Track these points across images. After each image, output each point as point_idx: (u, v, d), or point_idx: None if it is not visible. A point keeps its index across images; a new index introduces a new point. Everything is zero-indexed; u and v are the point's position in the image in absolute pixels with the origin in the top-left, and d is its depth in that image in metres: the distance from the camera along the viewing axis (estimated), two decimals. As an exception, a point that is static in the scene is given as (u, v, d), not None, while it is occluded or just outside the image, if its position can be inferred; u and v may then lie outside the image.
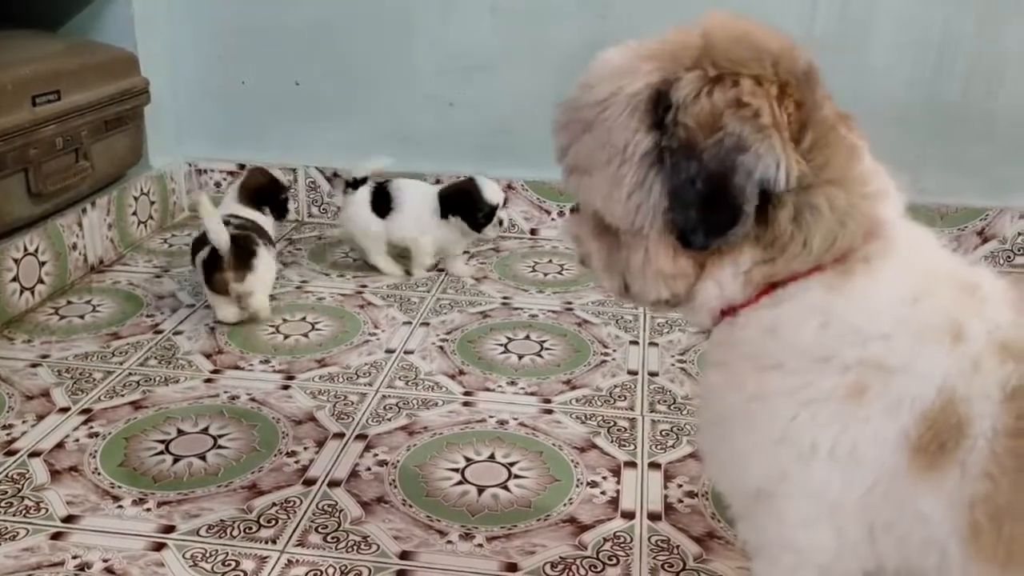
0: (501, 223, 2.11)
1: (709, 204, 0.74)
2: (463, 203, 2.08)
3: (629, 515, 1.31)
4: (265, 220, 2.04)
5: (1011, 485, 0.71)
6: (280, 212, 2.11)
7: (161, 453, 1.43)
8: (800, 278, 0.77)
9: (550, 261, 2.28)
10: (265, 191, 2.08)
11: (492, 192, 2.08)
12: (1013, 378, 0.72)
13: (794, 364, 0.76)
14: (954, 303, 0.75)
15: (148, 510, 1.29)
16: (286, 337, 1.83)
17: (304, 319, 1.91)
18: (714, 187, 0.73)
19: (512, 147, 2.38)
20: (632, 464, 1.43)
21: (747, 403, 0.79)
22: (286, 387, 1.64)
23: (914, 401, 0.73)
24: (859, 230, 0.76)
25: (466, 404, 1.59)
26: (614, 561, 1.21)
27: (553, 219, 2.41)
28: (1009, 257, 2.26)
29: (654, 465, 1.42)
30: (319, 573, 1.17)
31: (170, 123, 2.47)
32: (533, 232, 2.43)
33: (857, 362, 0.74)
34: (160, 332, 1.83)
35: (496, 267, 2.23)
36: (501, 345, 1.81)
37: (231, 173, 2.49)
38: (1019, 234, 2.25)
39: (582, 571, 1.19)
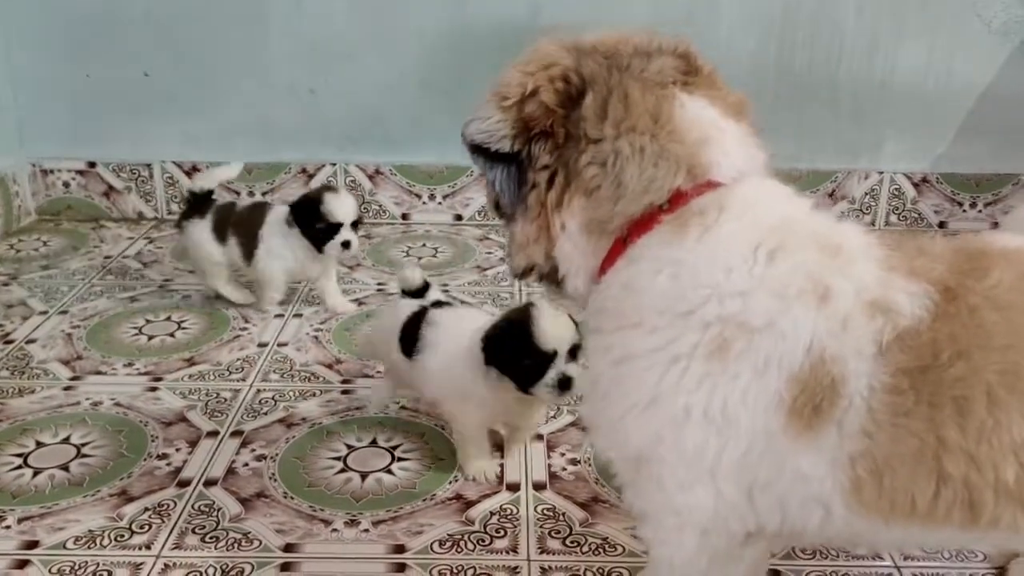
0: (347, 246, 1.77)
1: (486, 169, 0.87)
2: (305, 213, 1.76)
3: (514, 487, 1.31)
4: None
5: (890, 439, 0.72)
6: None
7: (19, 467, 1.34)
8: (643, 230, 0.80)
9: (423, 245, 2.26)
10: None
11: (339, 206, 1.75)
12: (885, 333, 0.72)
13: (654, 320, 0.78)
14: (817, 263, 0.76)
15: (8, 527, 1.21)
16: (150, 338, 1.75)
17: (169, 318, 1.83)
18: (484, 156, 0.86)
19: (379, 133, 2.35)
20: (515, 437, 1.44)
21: (616, 366, 0.81)
22: (153, 389, 1.57)
23: (782, 361, 0.74)
24: (676, 171, 0.80)
25: (345, 392, 1.57)
26: (502, 533, 1.22)
27: (424, 203, 2.39)
28: (859, 216, 2.40)
29: (537, 437, 1.44)
30: (199, 574, 1.13)
31: (9, 121, 2.31)
32: (404, 217, 2.40)
33: (717, 319, 0.76)
34: (11, 342, 1.72)
35: (369, 254, 2.20)
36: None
37: (80, 173, 2.36)
38: (866, 194, 2.38)
39: (470, 546, 1.19)
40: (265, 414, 1.50)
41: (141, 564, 1.15)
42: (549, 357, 1.22)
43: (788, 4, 2.22)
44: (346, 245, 1.77)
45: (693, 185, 0.80)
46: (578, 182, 0.82)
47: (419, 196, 2.40)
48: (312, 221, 1.75)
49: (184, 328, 1.79)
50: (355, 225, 1.78)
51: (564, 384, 1.22)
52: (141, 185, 2.37)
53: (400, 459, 1.38)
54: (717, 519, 0.81)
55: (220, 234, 1.83)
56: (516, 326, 1.24)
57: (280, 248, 1.80)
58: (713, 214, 0.78)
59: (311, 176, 2.36)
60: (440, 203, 2.40)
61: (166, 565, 1.15)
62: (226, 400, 1.53)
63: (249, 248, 1.81)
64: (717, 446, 0.77)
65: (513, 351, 1.24)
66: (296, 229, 1.77)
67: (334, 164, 2.36)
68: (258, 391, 1.57)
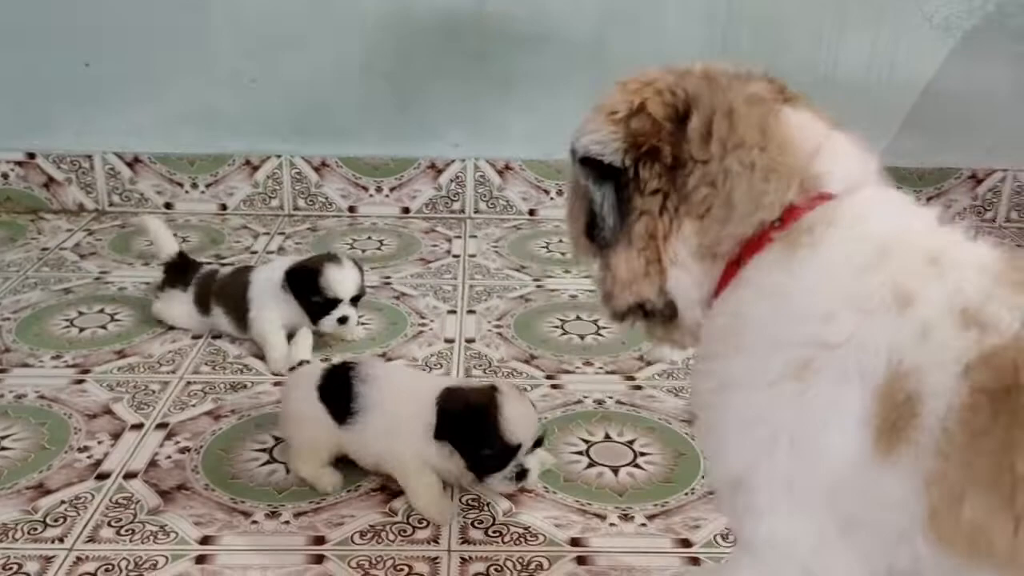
0: (343, 322, 1.64)
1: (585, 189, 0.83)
2: (301, 282, 1.63)
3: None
4: None
5: (964, 463, 0.66)
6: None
7: (-66, 461, 1.32)
8: (754, 251, 0.77)
9: (369, 238, 2.25)
10: None
11: (339, 281, 1.62)
12: (974, 348, 0.66)
13: (754, 347, 0.76)
14: (906, 269, 0.71)
15: (-83, 522, 1.19)
16: (81, 330, 1.72)
17: (102, 311, 1.80)
18: (596, 173, 0.82)
19: (325, 124, 2.33)
20: (445, 428, 1.43)
21: (717, 394, 0.78)
22: (80, 381, 1.54)
23: (863, 375, 0.70)
24: (789, 184, 0.77)
25: (277, 384, 1.55)
26: (424, 524, 1.21)
27: (370, 195, 2.38)
28: (803, 210, 2.41)
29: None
30: (111, 567, 1.11)
31: (-56, 112, 2.27)
32: (351, 209, 2.38)
33: (801, 341, 0.72)
34: (-63, 335, 1.69)
35: (314, 246, 2.18)
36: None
37: (20, 164, 2.32)
38: (811, 188, 2.40)
39: (391, 536, 1.18)
40: (193, 406, 1.48)
41: (52, 557, 1.13)
42: (513, 450, 1.17)
43: (732, 2, 2.23)
44: (343, 321, 1.63)
45: (805, 199, 0.77)
46: (687, 206, 0.80)
47: (365, 188, 2.38)
48: (308, 292, 1.62)
49: (117, 320, 1.77)
50: (356, 300, 1.65)
51: (521, 476, 1.19)
52: (82, 176, 2.33)
53: (327, 451, 1.37)
54: (819, 558, 0.75)
55: (203, 306, 1.70)
56: (481, 413, 1.17)
57: (271, 308, 1.65)
58: (821, 229, 0.75)
59: (255, 168, 2.34)
60: (387, 196, 2.38)
61: (78, 558, 1.13)
62: (154, 392, 1.51)
63: (239, 315, 1.67)
64: (805, 472, 0.73)
65: (475, 439, 1.18)
66: (290, 295, 1.63)
67: (279, 156, 2.34)
68: (188, 383, 1.55)
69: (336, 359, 1.40)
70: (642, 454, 1.37)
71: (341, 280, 1.61)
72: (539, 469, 1.25)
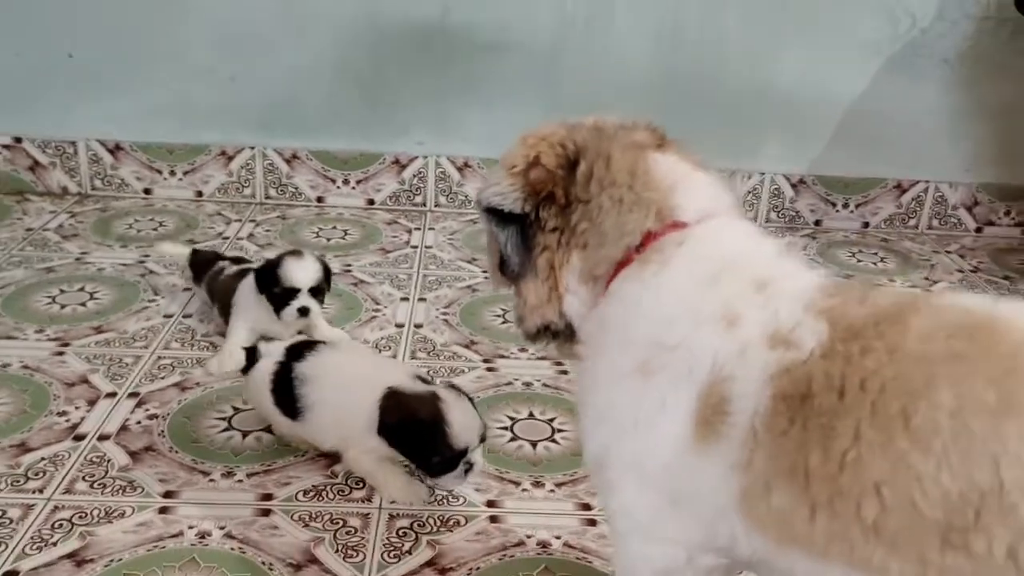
0: (304, 312, 1.71)
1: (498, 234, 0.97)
2: (265, 277, 1.72)
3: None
4: None
5: (769, 456, 0.78)
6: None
7: (-72, 421, 1.48)
8: (620, 271, 0.91)
9: (334, 227, 2.41)
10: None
11: (296, 271, 1.70)
12: (778, 363, 0.79)
13: (611, 347, 0.90)
14: (738, 294, 0.84)
15: (-87, 473, 1.35)
16: (63, 307, 1.88)
17: (83, 289, 1.96)
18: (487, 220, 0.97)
19: (295, 118, 2.48)
20: (387, 404, 1.60)
21: (585, 391, 0.95)
22: (60, 353, 1.70)
23: (692, 377, 0.83)
24: (647, 214, 0.90)
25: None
26: (361, 486, 1.38)
27: (338, 187, 2.54)
28: (743, 213, 2.59)
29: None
30: (84, 515, 1.28)
31: (-65, 97, 2.41)
32: (319, 200, 2.55)
33: (646, 342, 0.86)
34: (-71, 307, 1.84)
35: (282, 234, 2.34)
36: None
37: (7, 147, 2.46)
38: (749, 192, 2.58)
39: (331, 496, 1.36)
40: (162, 378, 1.64)
41: (33, 505, 1.29)
42: (461, 454, 1.27)
43: (677, 14, 2.40)
44: (303, 312, 1.70)
45: (661, 226, 0.90)
46: (574, 238, 0.94)
47: (333, 180, 2.54)
48: (270, 285, 1.70)
49: (96, 299, 1.93)
50: (317, 291, 1.72)
51: (469, 471, 1.29)
52: (66, 161, 2.48)
53: (281, 421, 1.54)
54: (656, 525, 0.89)
55: (212, 299, 1.84)
56: (425, 424, 1.25)
57: (247, 311, 1.74)
58: (670, 250, 0.88)
59: (230, 158, 2.50)
60: (353, 188, 2.54)
61: (55, 507, 1.29)
62: (127, 365, 1.68)
63: (227, 315, 1.78)
64: (646, 454, 0.87)
65: (423, 448, 1.27)
66: (258, 294, 1.72)
67: (253, 148, 2.49)
68: (159, 358, 1.71)
69: (287, 345, 1.46)
70: (559, 431, 1.55)
71: (297, 270, 1.70)
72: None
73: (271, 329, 1.73)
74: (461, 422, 1.26)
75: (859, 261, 2.42)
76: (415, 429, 1.26)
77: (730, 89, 2.46)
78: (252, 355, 1.46)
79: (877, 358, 0.75)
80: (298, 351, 1.42)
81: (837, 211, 2.60)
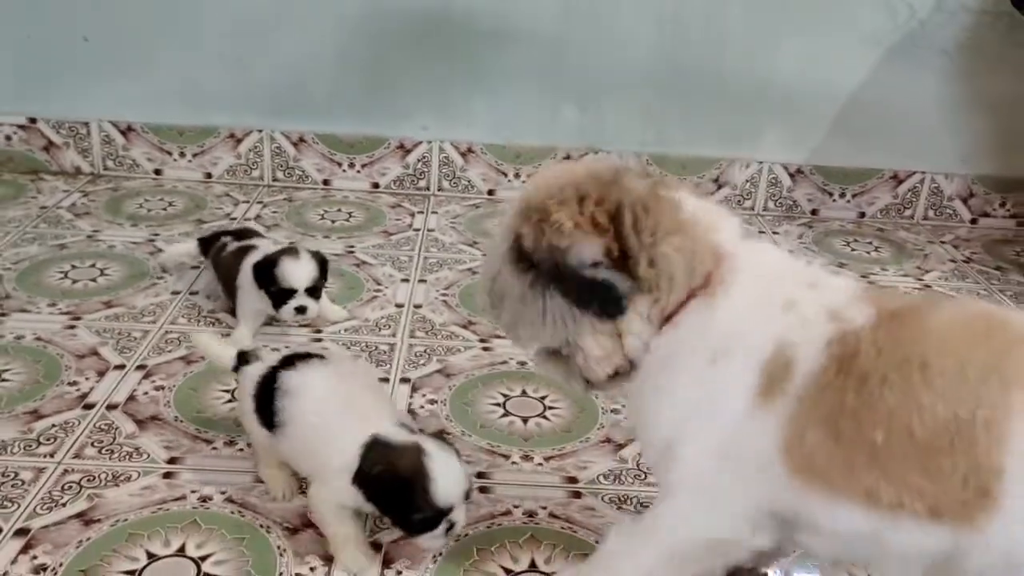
0: (301, 311, 1.75)
1: (591, 290, 1.02)
2: (263, 273, 1.74)
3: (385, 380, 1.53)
4: None
5: (812, 404, 0.93)
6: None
7: (-55, 388, 1.54)
8: (684, 306, 1.02)
9: (339, 210, 2.47)
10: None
11: (292, 272, 1.73)
12: (833, 331, 0.95)
13: (681, 357, 1.01)
14: (792, 289, 1.00)
15: (-69, 436, 1.42)
16: (75, 282, 1.94)
17: (94, 265, 2.03)
18: (579, 281, 1.01)
19: (303, 102, 2.54)
20: (385, 380, 1.66)
21: (656, 392, 1.04)
22: (72, 327, 1.77)
23: (756, 351, 0.97)
24: (707, 257, 1.01)
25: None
26: (357, 456, 1.44)
27: (344, 170, 2.59)
28: (740, 201, 2.63)
29: (404, 380, 1.66)
30: (92, 478, 1.34)
31: (-45, 77, 2.47)
32: (325, 183, 2.60)
33: (716, 340, 0.99)
34: (-54, 281, 1.91)
35: (288, 215, 2.40)
36: (282, 284, 2.00)
37: (22, 127, 2.52)
38: (747, 181, 2.62)
39: (328, 465, 1.41)
40: (169, 352, 1.70)
41: (44, 468, 1.36)
42: (444, 513, 1.16)
43: (680, 4, 2.43)
44: (300, 311, 1.74)
45: (716, 263, 1.02)
46: (637, 285, 1.02)
47: (339, 164, 2.59)
48: (268, 283, 1.74)
49: (106, 275, 1.99)
50: (314, 291, 1.75)
51: (450, 530, 1.18)
52: (79, 142, 2.54)
53: (282, 394, 1.60)
54: (718, 489, 1.01)
55: (217, 274, 1.89)
56: (407, 480, 1.15)
57: (251, 300, 1.78)
58: (729, 278, 1.01)
59: (239, 141, 2.55)
60: (359, 171, 2.60)
61: (65, 470, 1.36)
62: (136, 339, 1.74)
63: (231, 294, 1.83)
64: (712, 429, 0.99)
65: (402, 505, 1.16)
66: (257, 285, 1.76)
67: (260, 131, 2.55)
68: (166, 332, 1.77)
69: (282, 353, 1.39)
70: (551, 408, 1.61)
71: (294, 271, 1.72)
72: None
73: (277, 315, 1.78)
74: (446, 478, 1.15)
75: (853, 250, 2.46)
76: (396, 484, 1.15)
77: (730, 78, 2.50)
78: (244, 358, 1.39)
79: (911, 331, 0.94)
80: (290, 361, 1.32)
81: (834, 200, 2.64)
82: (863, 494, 0.92)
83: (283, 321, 1.80)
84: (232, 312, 1.85)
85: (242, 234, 1.95)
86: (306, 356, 1.35)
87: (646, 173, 1.09)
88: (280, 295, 1.74)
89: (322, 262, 1.79)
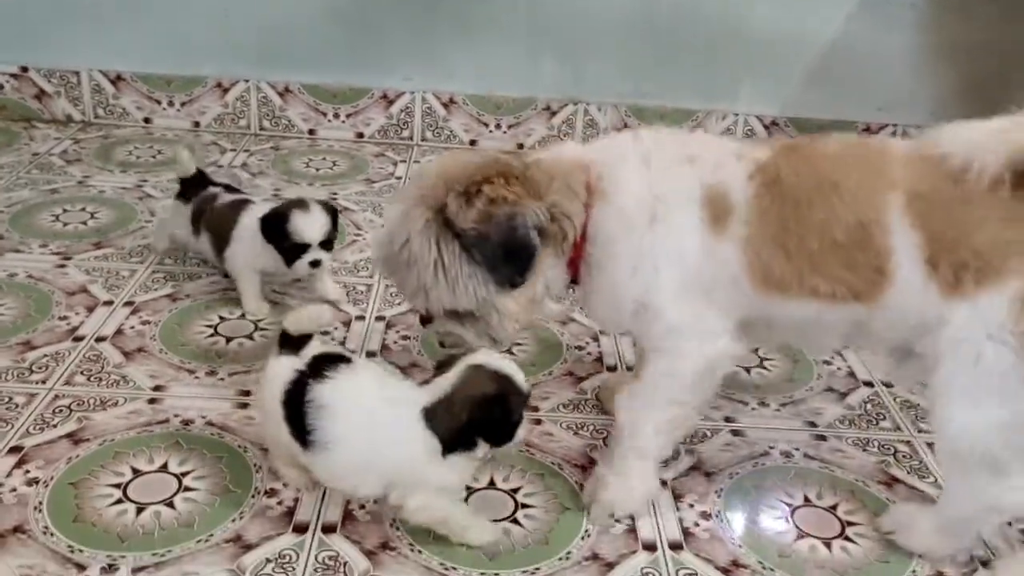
0: (315, 265, 1.69)
1: (511, 257, 1.18)
2: (272, 228, 1.66)
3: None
4: None
5: (760, 226, 1.15)
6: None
7: (-58, 321, 1.63)
8: (589, 220, 1.22)
9: (324, 158, 2.53)
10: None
11: (306, 226, 1.66)
12: (746, 167, 1.18)
13: (619, 234, 1.20)
14: (678, 149, 1.22)
15: (-71, 364, 1.50)
16: (66, 225, 2.02)
17: (84, 209, 2.10)
18: (508, 246, 1.17)
19: (289, 53, 2.59)
20: (361, 318, 1.74)
21: (609, 273, 1.23)
22: (62, 266, 1.84)
23: (689, 197, 1.18)
24: (577, 176, 1.21)
25: (227, 276, 1.85)
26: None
27: (329, 120, 2.65)
28: (716, 152, 2.69)
29: (380, 318, 1.75)
30: (82, 403, 1.43)
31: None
32: (311, 132, 2.66)
33: (639, 209, 1.19)
34: (-58, 222, 1.99)
35: (274, 163, 2.46)
36: (265, 228, 2.07)
37: (14, 76, 2.58)
38: (724, 132, 2.68)
39: (303, 393, 1.50)
40: (156, 290, 1.79)
41: (36, 394, 1.44)
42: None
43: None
44: (315, 264, 1.69)
45: (590, 174, 1.22)
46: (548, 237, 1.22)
47: (324, 114, 2.65)
48: (280, 238, 1.66)
49: (96, 218, 2.06)
50: (327, 244, 1.69)
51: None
52: (70, 90, 2.60)
53: (262, 329, 1.68)
54: (700, 323, 1.20)
55: (195, 226, 1.79)
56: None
57: (249, 253, 1.71)
58: (607, 172, 1.22)
59: (226, 90, 2.61)
60: (343, 121, 2.66)
61: (56, 396, 1.45)
62: (124, 277, 1.82)
63: (220, 246, 1.75)
64: (680, 270, 1.18)
65: (503, 416, 1.13)
66: (263, 239, 1.67)
67: (247, 81, 2.60)
68: (153, 272, 1.85)
69: (310, 352, 1.22)
70: (517, 344, 1.69)
71: (308, 225, 1.66)
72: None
73: (279, 272, 1.73)
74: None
75: (823, 199, 2.53)
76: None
77: (707, 31, 2.55)
78: (289, 342, 1.22)
79: (813, 160, 1.17)
80: (320, 366, 1.18)
81: (808, 152, 2.69)
82: (809, 291, 1.16)
83: (277, 276, 1.77)
84: (213, 265, 1.84)
85: (229, 188, 1.90)
86: (337, 358, 1.21)
87: (509, 152, 1.29)
88: (293, 250, 1.67)
89: (333, 213, 1.71)
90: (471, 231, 1.16)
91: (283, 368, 1.19)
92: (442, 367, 1.17)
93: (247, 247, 1.72)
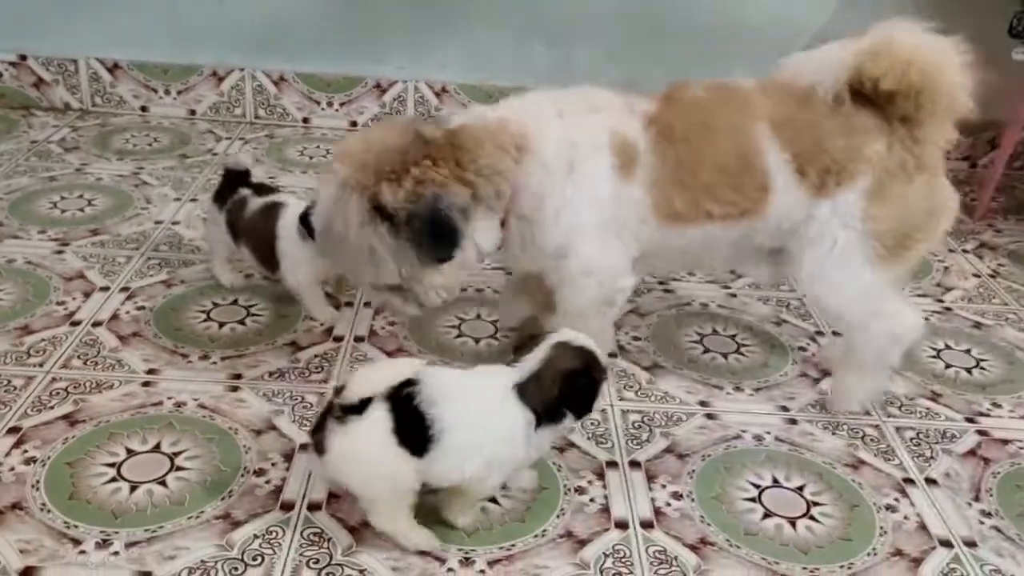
0: None
1: (436, 237, 1.28)
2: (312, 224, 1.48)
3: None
4: None
5: (660, 167, 1.35)
6: None
7: (-57, 306, 1.68)
8: (522, 173, 1.34)
9: (318, 147, 2.57)
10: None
11: None
12: (640, 118, 1.36)
13: (551, 193, 1.35)
14: (583, 103, 1.38)
15: (-69, 348, 1.56)
16: (63, 211, 2.07)
17: (81, 196, 2.15)
18: (433, 227, 1.27)
19: (283, 42, 2.63)
20: (350, 304, 1.79)
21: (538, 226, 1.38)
22: (60, 252, 1.89)
23: (596, 147, 1.34)
24: (506, 136, 1.32)
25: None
26: (320, 368, 1.58)
27: (323, 108, 2.69)
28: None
29: (368, 304, 1.79)
30: (78, 385, 1.48)
31: (-54, 14, 2.56)
32: (305, 120, 2.71)
33: (558, 161, 1.34)
34: (-57, 209, 2.03)
35: (269, 152, 2.51)
36: (259, 216, 2.12)
37: (13, 64, 2.62)
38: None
39: (293, 377, 1.56)
40: (151, 276, 1.83)
41: (33, 377, 1.50)
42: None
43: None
44: None
45: (517, 128, 1.34)
46: (476, 204, 1.32)
47: (318, 103, 2.69)
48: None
49: (93, 205, 2.11)
50: None
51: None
52: (68, 79, 2.64)
53: (255, 315, 1.73)
54: (606, 258, 1.39)
55: (234, 234, 1.70)
56: (585, 365, 1.19)
57: (299, 259, 1.62)
58: (532, 131, 1.34)
59: (221, 79, 2.65)
60: (337, 110, 2.70)
61: (53, 379, 1.50)
62: (120, 264, 1.87)
63: (267, 258, 1.66)
64: (597, 210, 1.35)
65: (590, 387, 1.20)
66: (309, 240, 1.54)
67: (242, 69, 2.64)
68: (148, 259, 1.90)
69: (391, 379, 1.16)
70: (501, 330, 1.74)
71: None
72: None
73: (333, 272, 1.68)
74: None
75: (809, 189, 2.57)
76: (589, 372, 1.20)
77: (699, 18, 2.58)
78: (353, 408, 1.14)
79: (689, 106, 1.38)
80: (404, 386, 1.16)
81: (795, 141, 2.73)
82: (705, 216, 1.38)
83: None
84: (267, 276, 1.75)
85: (260, 189, 1.74)
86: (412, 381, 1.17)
87: (427, 119, 1.38)
88: None
89: None
90: (400, 212, 1.26)
91: (370, 415, 1.13)
92: (520, 348, 1.23)
93: (298, 258, 1.62)
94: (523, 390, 1.18)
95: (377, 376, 1.15)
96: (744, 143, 1.36)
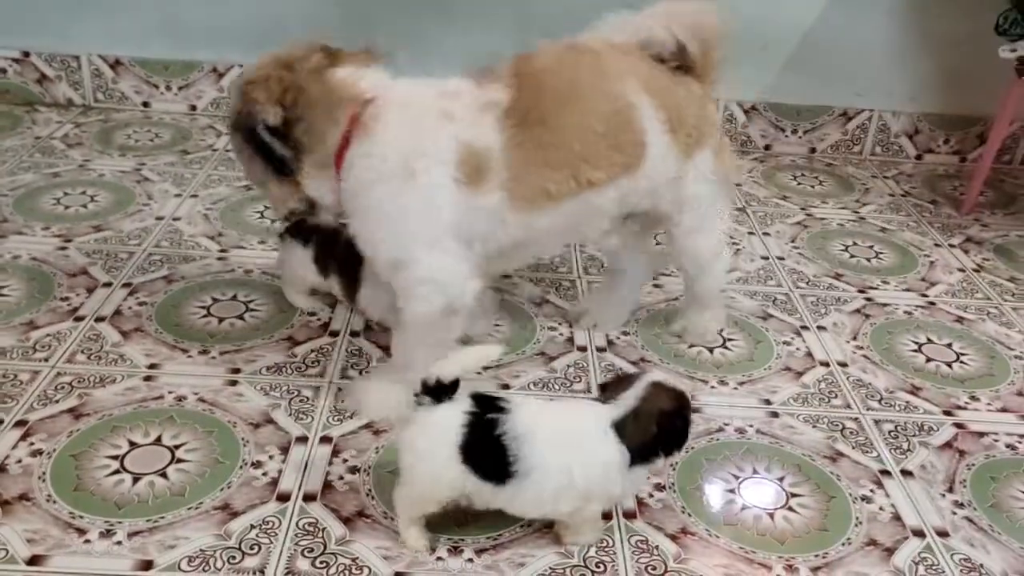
0: None
1: (257, 146, 1.35)
2: None
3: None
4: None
5: (520, 159, 1.33)
6: None
7: (-49, 302, 1.73)
8: (344, 152, 1.32)
9: (316, 141, 2.61)
10: None
11: None
12: (495, 114, 1.33)
13: (375, 185, 1.31)
14: (440, 105, 1.33)
15: (-61, 343, 1.61)
16: (67, 208, 2.11)
17: (84, 192, 2.19)
18: (249, 138, 1.35)
19: (283, 39, 2.62)
20: (347, 298, 1.84)
21: (371, 222, 1.36)
22: (63, 248, 1.94)
23: (446, 161, 1.30)
24: (347, 107, 1.31)
25: (219, 259, 1.95)
26: (316, 362, 1.63)
27: (321, 104, 2.73)
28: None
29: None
30: (82, 380, 1.53)
31: (-49, 11, 2.60)
32: (304, 116, 2.74)
33: (399, 161, 1.29)
34: (-51, 206, 2.08)
35: (268, 147, 2.54)
36: (257, 212, 2.16)
37: (16, 60, 2.66)
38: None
39: (290, 371, 1.60)
40: (153, 271, 1.88)
41: (39, 371, 1.55)
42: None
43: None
44: None
45: (358, 106, 1.32)
46: (302, 147, 1.34)
47: (317, 98, 2.73)
48: None
49: (96, 201, 2.16)
50: None
51: None
52: (71, 75, 2.68)
53: (253, 310, 1.78)
54: (442, 269, 1.34)
55: (322, 268, 1.69)
56: (678, 405, 1.21)
57: (379, 291, 1.59)
58: (375, 113, 1.32)
59: (221, 75, 2.69)
60: (336, 105, 2.73)
61: (58, 373, 1.55)
62: (122, 259, 1.91)
63: (351, 289, 1.67)
64: (435, 227, 1.32)
65: (682, 426, 1.22)
66: None
67: (241, 65, 2.68)
68: (150, 254, 1.95)
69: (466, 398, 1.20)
70: (496, 324, 1.79)
71: None
72: None
73: None
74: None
75: (799, 184, 2.61)
76: (683, 412, 1.23)
77: (688, 18, 2.60)
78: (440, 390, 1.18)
79: (540, 77, 1.37)
80: (487, 402, 1.20)
81: (786, 136, 2.78)
82: (586, 183, 1.39)
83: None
84: (349, 303, 1.73)
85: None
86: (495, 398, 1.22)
87: (326, 49, 1.38)
88: None
89: None
90: (240, 124, 1.36)
91: (447, 414, 1.17)
92: (609, 387, 1.25)
93: (375, 287, 1.60)
94: (621, 428, 1.19)
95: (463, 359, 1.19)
96: (614, 101, 1.40)
